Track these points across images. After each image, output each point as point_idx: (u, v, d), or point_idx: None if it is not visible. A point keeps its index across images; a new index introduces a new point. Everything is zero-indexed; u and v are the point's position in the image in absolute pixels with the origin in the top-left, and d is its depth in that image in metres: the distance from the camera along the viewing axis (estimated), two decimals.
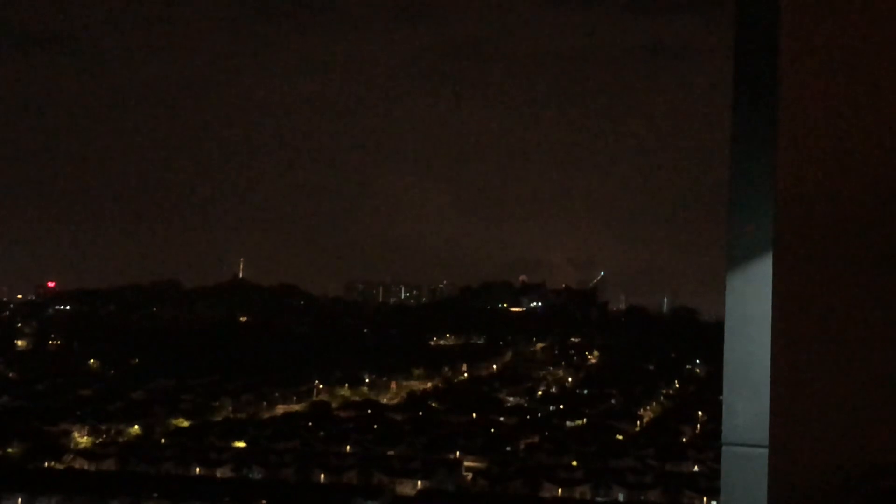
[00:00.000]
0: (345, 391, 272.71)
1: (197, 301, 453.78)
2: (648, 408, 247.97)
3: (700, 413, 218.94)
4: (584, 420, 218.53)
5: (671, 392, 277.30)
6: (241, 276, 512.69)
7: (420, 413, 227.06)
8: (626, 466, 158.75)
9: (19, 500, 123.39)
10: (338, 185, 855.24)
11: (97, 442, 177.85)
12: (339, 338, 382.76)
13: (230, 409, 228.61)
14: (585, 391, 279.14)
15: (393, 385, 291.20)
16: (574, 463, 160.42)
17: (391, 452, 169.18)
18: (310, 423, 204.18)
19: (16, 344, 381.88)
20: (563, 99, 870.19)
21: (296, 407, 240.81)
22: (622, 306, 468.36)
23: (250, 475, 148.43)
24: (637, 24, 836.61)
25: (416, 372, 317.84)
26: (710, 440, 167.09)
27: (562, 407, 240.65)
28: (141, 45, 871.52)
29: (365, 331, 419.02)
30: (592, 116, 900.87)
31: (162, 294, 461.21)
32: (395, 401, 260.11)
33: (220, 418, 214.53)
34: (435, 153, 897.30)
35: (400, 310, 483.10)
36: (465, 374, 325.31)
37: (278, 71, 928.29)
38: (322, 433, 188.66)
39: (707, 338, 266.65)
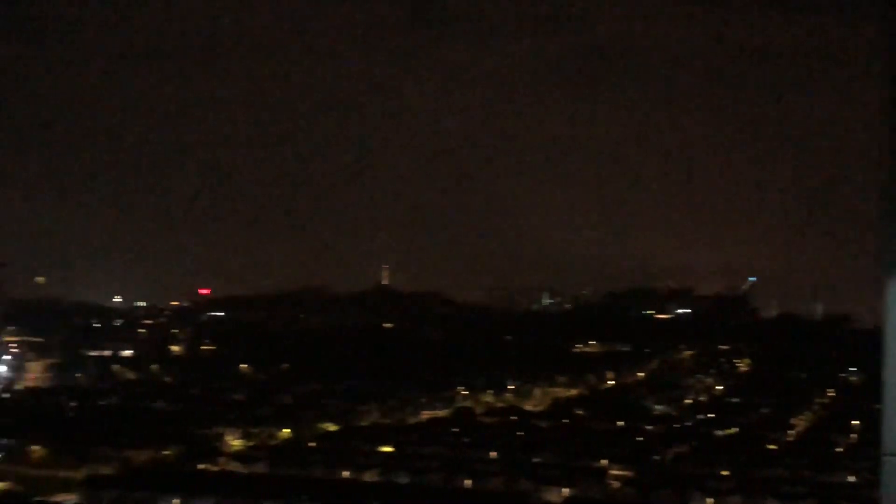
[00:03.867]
0: (489, 397, 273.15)
1: (343, 307, 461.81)
2: (801, 417, 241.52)
3: (855, 422, 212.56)
4: (735, 429, 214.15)
5: (825, 401, 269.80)
6: (385, 282, 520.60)
7: (565, 420, 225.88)
8: (779, 477, 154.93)
9: (175, 501, 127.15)
10: (481, 192, 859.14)
11: (249, 445, 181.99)
12: (483, 344, 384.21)
13: (376, 413, 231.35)
14: (735, 399, 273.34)
15: (537, 392, 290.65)
16: (724, 473, 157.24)
17: (536, 459, 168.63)
18: (454, 429, 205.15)
19: (171, 349, 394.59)
20: (709, 101, 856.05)
21: (440, 412, 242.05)
22: (773, 313, 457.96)
23: (396, 479, 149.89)
24: (784, 24, 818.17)
25: (561, 379, 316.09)
26: (867, 450, 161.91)
27: (711, 415, 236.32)
28: (290, 56, 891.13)
29: (508, 337, 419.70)
30: (740, 119, 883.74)
31: (309, 300, 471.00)
32: (540, 407, 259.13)
33: (366, 423, 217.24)
34: (578, 159, 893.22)
35: (543, 316, 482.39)
36: (611, 382, 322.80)
37: (424, 80, 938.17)
38: (467, 439, 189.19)
39: (862, 345, 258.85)
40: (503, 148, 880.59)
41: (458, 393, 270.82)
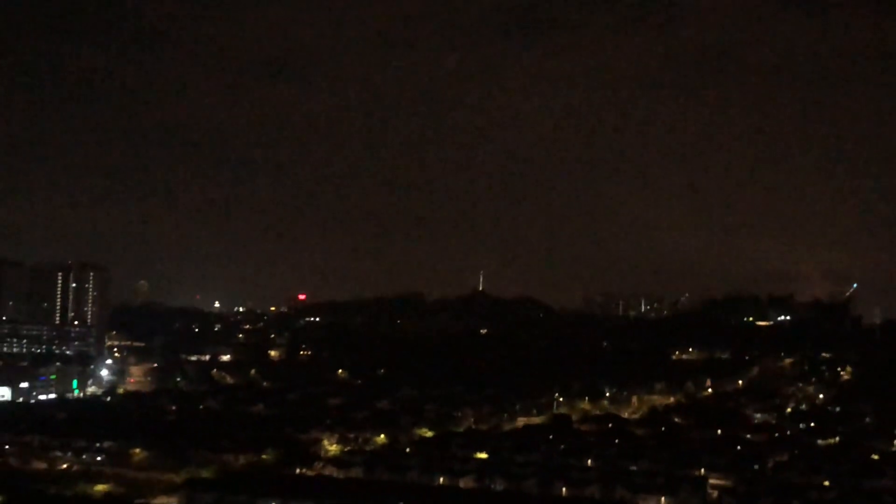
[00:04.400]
0: (585, 404, 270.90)
1: (439, 313, 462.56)
2: None
3: None
4: (837, 438, 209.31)
5: None
6: (481, 288, 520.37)
7: (662, 428, 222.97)
8: (883, 487, 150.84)
9: None
10: (577, 197, 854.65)
11: (346, 450, 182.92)
12: (579, 350, 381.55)
13: (472, 419, 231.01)
14: (838, 408, 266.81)
15: (634, 399, 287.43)
16: (826, 483, 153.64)
17: (633, 467, 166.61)
18: (550, 436, 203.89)
19: (269, 354, 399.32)
20: (807, 105, 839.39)
21: (536, 419, 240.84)
22: (877, 320, 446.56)
23: (493, 486, 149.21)
24: (886, 26, 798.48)
25: (658, 386, 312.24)
26: None
27: (813, 424, 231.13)
28: (379, 65, 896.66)
29: (605, 344, 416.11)
30: (840, 123, 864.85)
31: (406, 306, 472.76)
32: (637, 415, 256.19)
33: (462, 429, 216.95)
34: (676, 164, 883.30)
35: (640, 323, 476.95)
36: (710, 389, 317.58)
37: (519, 86, 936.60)
38: (563, 446, 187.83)
39: None
40: (600, 153, 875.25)
41: (555, 399, 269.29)
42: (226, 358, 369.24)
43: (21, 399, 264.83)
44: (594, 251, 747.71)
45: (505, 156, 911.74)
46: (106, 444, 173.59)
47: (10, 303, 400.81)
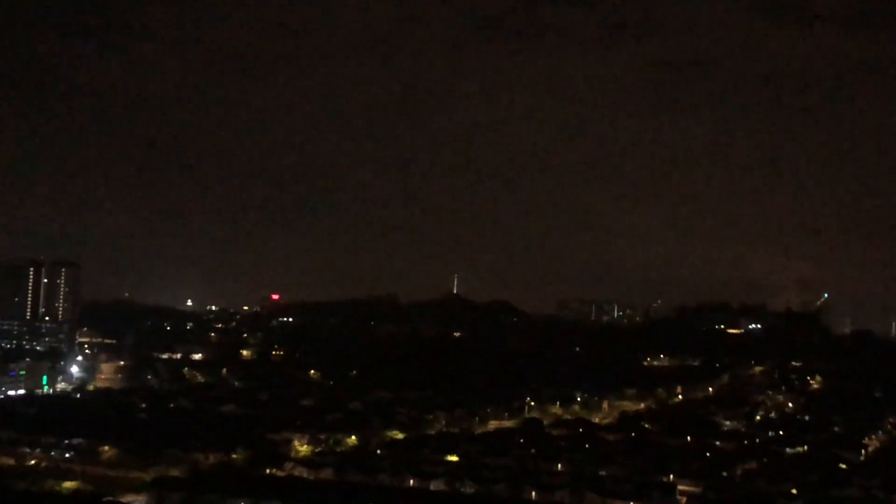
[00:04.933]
0: (556, 409, 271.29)
1: (413, 316, 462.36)
2: (874, 436, 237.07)
3: None
4: (806, 447, 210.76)
5: None
6: (455, 292, 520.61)
7: (633, 434, 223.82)
8: (851, 497, 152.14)
9: None
10: (553, 204, 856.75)
11: (316, 451, 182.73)
12: (552, 355, 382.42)
13: (444, 422, 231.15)
14: (807, 417, 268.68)
15: (605, 405, 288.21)
16: (794, 491, 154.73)
17: (603, 473, 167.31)
18: (521, 440, 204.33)
19: (241, 353, 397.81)
20: (785, 117, 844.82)
21: (508, 423, 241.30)
22: (847, 330, 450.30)
23: (463, 489, 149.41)
24: (859, 40, 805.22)
25: (629, 392, 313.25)
26: None
27: (782, 433, 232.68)
28: (359, 68, 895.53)
29: (577, 349, 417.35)
30: (816, 135, 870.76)
31: (380, 308, 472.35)
32: (607, 421, 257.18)
33: (434, 432, 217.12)
34: (651, 172, 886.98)
35: (613, 329, 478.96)
36: (680, 396, 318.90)
37: (496, 91, 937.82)
38: (534, 450, 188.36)
39: None
40: (578, 160, 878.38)
41: (527, 404, 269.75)
42: (198, 357, 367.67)
43: None
44: (569, 257, 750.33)
45: (483, 160, 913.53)
46: (75, 441, 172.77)
47: None
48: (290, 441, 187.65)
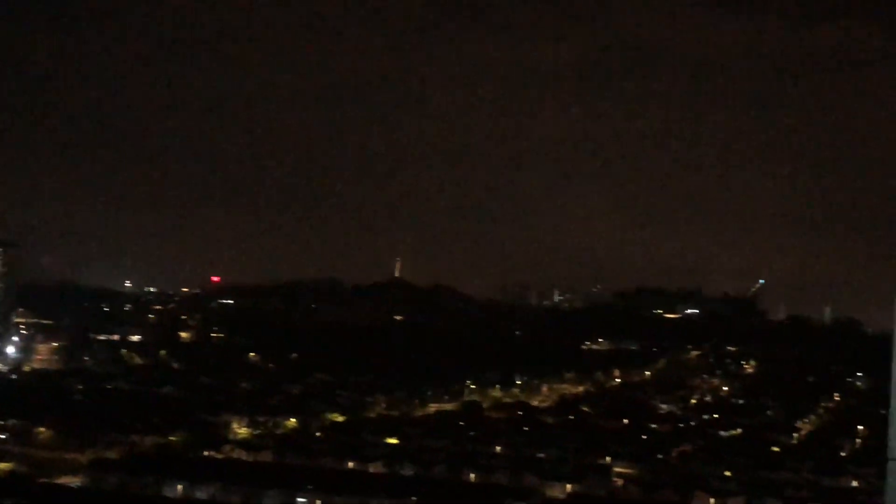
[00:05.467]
0: (497, 392, 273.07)
1: (355, 299, 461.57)
2: (807, 420, 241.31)
3: (861, 427, 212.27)
4: (740, 430, 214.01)
5: (831, 405, 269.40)
6: (398, 275, 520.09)
7: (571, 417, 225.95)
8: (783, 479, 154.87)
9: (180, 487, 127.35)
10: (496, 187, 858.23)
11: (255, 434, 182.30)
12: (493, 339, 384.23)
13: (384, 405, 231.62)
14: (741, 401, 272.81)
15: (545, 388, 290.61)
16: (728, 473, 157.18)
17: (542, 455, 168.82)
18: (461, 423, 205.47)
19: (180, 335, 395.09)
20: (728, 105, 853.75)
21: (448, 406, 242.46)
22: (782, 316, 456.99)
23: (402, 472, 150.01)
24: (805, 32, 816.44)
25: (568, 375, 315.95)
26: (872, 455, 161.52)
27: (716, 416, 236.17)
28: (315, 48, 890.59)
29: (518, 333, 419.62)
30: (756, 123, 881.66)
31: (322, 291, 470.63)
32: (547, 404, 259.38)
33: (374, 415, 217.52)
34: (594, 157, 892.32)
35: (554, 313, 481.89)
36: (618, 380, 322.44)
37: (444, 75, 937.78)
38: (473, 433, 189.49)
39: (871, 350, 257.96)
40: (518, 144, 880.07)
41: (467, 387, 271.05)
42: (136, 338, 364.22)
43: None
44: (510, 241, 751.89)
45: (425, 142, 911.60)
46: (9, 422, 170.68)
47: None
48: (228, 424, 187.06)
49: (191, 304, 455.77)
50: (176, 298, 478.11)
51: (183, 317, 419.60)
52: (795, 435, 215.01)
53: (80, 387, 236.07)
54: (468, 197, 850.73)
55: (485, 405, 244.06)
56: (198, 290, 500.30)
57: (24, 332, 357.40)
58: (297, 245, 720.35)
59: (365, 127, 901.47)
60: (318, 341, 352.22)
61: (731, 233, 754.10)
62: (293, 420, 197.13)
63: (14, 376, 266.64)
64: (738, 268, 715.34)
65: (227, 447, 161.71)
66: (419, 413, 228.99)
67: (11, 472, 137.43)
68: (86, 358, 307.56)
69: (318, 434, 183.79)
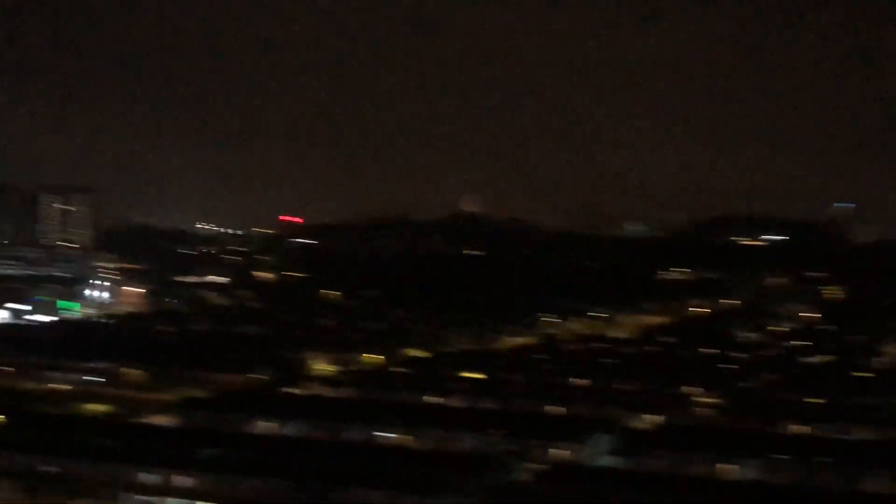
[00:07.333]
0: (573, 324, 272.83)
1: (427, 234, 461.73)
2: (893, 345, 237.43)
3: None
4: (825, 357, 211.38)
5: None
6: (468, 209, 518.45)
7: (650, 347, 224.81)
8: (870, 404, 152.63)
9: (265, 424, 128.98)
10: (567, 118, 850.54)
11: (337, 370, 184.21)
12: (568, 271, 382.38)
13: (462, 340, 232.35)
14: (827, 327, 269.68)
15: (624, 319, 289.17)
16: (811, 400, 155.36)
17: (622, 386, 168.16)
18: (540, 356, 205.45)
19: (259, 276, 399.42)
20: (811, 33, 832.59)
21: (523, 339, 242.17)
22: (870, 239, 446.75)
23: (483, 405, 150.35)
24: None
25: (647, 306, 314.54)
26: None
27: (801, 343, 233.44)
28: None
29: (594, 264, 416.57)
30: (838, 41, 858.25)
31: (394, 227, 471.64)
32: (625, 335, 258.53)
33: (452, 349, 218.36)
34: (670, 83, 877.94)
35: (630, 243, 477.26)
36: (699, 309, 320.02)
37: (503, 8, 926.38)
38: (551, 366, 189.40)
39: None
40: (590, 72, 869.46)
41: (544, 319, 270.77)
42: (216, 279, 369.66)
43: (14, 320, 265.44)
44: (585, 172, 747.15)
45: (492, 76, 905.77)
46: (100, 365, 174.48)
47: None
48: (310, 361, 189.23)
49: (268, 244, 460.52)
50: (253, 239, 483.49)
51: (259, 256, 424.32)
52: (880, 360, 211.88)
53: (166, 328, 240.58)
54: (541, 129, 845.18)
55: (562, 338, 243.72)
56: (271, 230, 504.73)
57: (108, 275, 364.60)
58: (365, 183, 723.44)
59: (432, 64, 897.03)
60: (393, 278, 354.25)
61: (819, 155, 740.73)
62: (373, 356, 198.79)
63: (101, 319, 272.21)
64: (825, 191, 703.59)
65: (311, 384, 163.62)
66: (496, 347, 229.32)
67: (104, 413, 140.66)
68: (168, 300, 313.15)
69: (398, 369, 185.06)
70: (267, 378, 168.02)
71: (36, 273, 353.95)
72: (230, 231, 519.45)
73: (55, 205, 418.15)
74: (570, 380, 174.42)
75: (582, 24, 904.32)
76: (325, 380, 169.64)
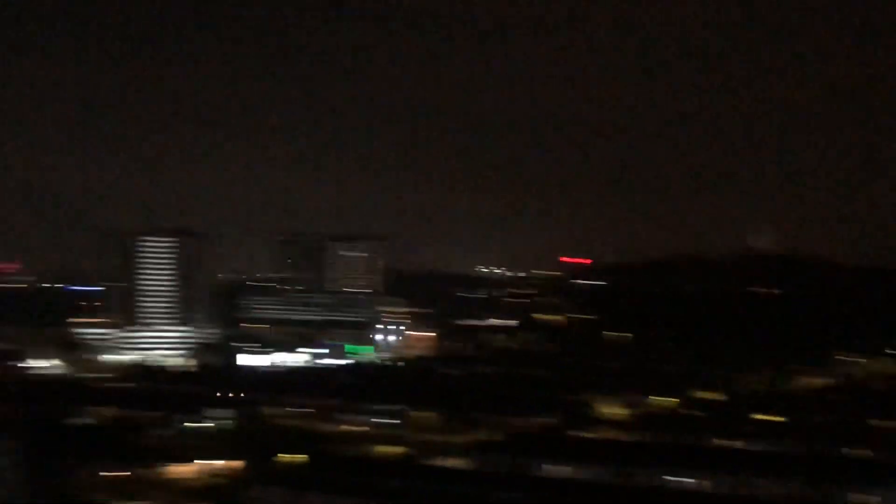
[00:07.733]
0: (875, 363, 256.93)
1: (713, 272, 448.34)
2: None
3: None
4: None
5: None
6: (756, 245, 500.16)
7: None
8: None
9: (558, 468, 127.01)
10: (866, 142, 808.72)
11: (629, 413, 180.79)
12: (864, 308, 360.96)
13: (755, 382, 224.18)
14: None
15: None
16: None
17: None
18: (839, 396, 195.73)
19: (543, 318, 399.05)
20: None
21: (822, 381, 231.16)
22: None
23: (781, 449, 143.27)
24: None
25: None
26: None
27: None
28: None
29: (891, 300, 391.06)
30: None
31: (682, 266, 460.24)
32: None
33: (745, 391, 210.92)
34: None
35: None
36: None
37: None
38: (853, 407, 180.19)
39: None
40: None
41: (840, 359, 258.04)
42: (500, 322, 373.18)
43: (311, 363, 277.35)
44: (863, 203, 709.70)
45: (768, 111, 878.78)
46: (393, 408, 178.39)
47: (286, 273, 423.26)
48: (598, 403, 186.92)
49: (550, 285, 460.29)
50: (531, 280, 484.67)
51: (544, 298, 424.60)
52: None
53: (455, 372, 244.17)
54: (830, 161, 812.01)
55: (862, 377, 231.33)
56: (553, 272, 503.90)
57: (396, 319, 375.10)
58: (646, 222, 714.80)
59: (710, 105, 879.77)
60: (680, 318, 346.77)
61: None
62: (665, 398, 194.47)
63: (391, 363, 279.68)
64: None
65: (602, 427, 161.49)
66: (792, 388, 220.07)
67: (400, 455, 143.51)
68: (454, 343, 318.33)
69: (691, 413, 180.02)
70: (555, 421, 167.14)
71: (327, 318, 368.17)
72: (509, 273, 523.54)
73: (342, 252, 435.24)
74: (874, 421, 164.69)
75: None
76: (615, 423, 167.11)
